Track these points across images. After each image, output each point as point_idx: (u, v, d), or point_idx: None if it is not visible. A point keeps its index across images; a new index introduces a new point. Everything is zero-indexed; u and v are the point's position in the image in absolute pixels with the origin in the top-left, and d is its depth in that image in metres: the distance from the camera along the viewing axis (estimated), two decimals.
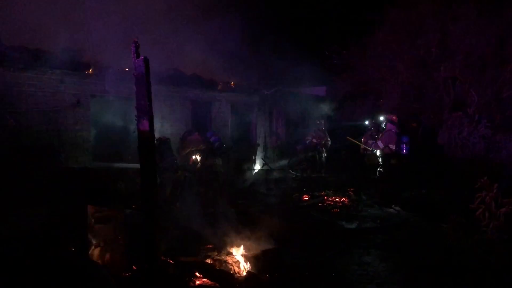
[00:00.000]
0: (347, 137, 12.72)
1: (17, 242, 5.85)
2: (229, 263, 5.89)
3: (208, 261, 5.93)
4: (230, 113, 14.08)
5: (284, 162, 15.59)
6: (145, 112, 5.20)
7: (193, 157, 9.84)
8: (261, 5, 14.97)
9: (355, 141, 12.36)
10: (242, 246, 6.27)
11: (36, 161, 7.23)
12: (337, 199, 10.79)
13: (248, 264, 5.85)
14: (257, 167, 14.90)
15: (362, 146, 12.08)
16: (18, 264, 5.05)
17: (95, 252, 5.86)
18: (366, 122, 13.10)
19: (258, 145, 15.59)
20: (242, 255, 6.01)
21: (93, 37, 9.06)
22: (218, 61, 12.88)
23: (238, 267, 5.85)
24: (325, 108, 17.43)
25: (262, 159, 15.22)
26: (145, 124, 5.20)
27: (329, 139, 14.75)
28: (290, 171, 14.63)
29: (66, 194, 5.81)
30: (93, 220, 5.96)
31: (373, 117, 13.01)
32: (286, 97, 16.89)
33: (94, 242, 6.02)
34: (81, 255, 5.35)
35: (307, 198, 10.98)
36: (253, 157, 15.02)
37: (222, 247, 6.45)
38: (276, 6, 17.51)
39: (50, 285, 3.66)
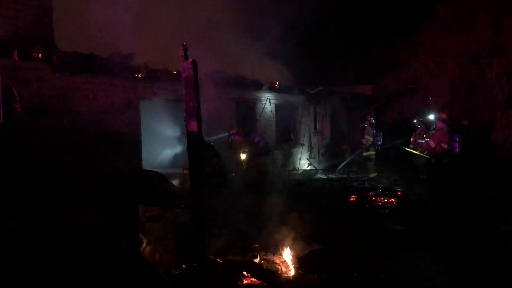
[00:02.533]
0: (401, 146, 12.39)
1: (72, 239, 6.11)
2: (276, 263, 5.90)
3: (256, 260, 5.96)
4: (274, 113, 14.09)
5: (329, 162, 15.44)
6: (194, 113, 5.30)
7: (241, 157, 9.94)
8: (304, 4, 14.87)
9: (407, 149, 12.03)
10: (289, 246, 6.26)
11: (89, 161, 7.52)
12: (385, 200, 10.57)
13: (296, 264, 5.84)
14: (302, 167, 14.83)
15: (411, 147, 11.74)
16: (73, 261, 5.27)
17: (146, 250, 6.03)
18: (414, 121, 12.76)
19: (303, 145, 15.51)
20: (289, 255, 6.00)
21: (142, 41, 9.31)
22: (262, 62, 12.93)
23: (286, 267, 5.85)
24: (372, 106, 17.10)
25: (307, 159, 15.14)
26: (193, 126, 5.29)
27: (380, 138, 14.47)
28: (337, 170, 14.47)
29: (118, 193, 6.00)
30: (144, 219, 6.14)
31: (421, 115, 12.65)
32: (331, 96, 16.70)
33: (145, 240, 6.20)
34: (133, 253, 5.51)
35: (354, 199, 10.82)
36: (298, 157, 14.96)
37: (269, 246, 6.47)
38: (320, 4, 17.36)
39: (106, 282, 3.79)
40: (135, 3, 9.51)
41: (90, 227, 5.98)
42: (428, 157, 10.85)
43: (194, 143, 5.30)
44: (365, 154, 14.15)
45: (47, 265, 4.49)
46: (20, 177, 6.55)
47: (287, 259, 5.94)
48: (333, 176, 14.08)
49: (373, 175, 13.78)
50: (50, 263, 4.45)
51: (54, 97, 7.29)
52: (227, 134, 10.74)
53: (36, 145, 6.90)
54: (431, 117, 11.49)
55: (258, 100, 13.35)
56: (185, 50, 5.29)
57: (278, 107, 14.28)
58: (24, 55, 6.80)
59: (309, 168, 14.72)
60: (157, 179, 6.28)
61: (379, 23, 19.11)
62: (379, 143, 14.42)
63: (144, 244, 6.01)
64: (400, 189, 11.56)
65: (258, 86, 13.16)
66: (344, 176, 13.92)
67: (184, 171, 9.10)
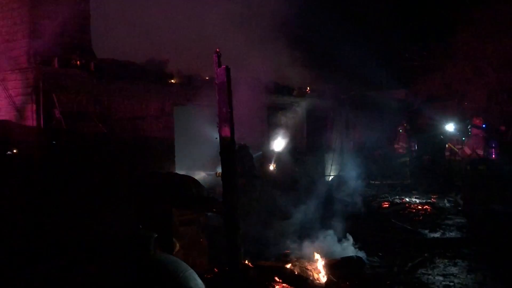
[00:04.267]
0: (448, 143, 12.09)
1: (110, 240, 6.27)
2: (308, 269, 5.88)
3: (288, 266, 5.96)
4: (305, 118, 14.04)
5: (362, 168, 15.25)
6: (227, 119, 5.37)
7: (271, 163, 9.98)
8: (337, 9, 14.83)
9: (454, 147, 11.77)
10: (321, 252, 6.23)
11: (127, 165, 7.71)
12: (419, 207, 10.37)
13: (328, 271, 5.80)
14: (334, 172, 14.71)
15: (448, 150, 11.46)
16: (109, 261, 5.41)
17: (179, 253, 6.12)
18: (452, 127, 12.48)
19: (334, 150, 15.39)
20: (321, 262, 5.97)
21: (176, 48, 9.47)
22: (294, 67, 12.92)
23: (318, 273, 5.82)
24: (405, 112, 16.84)
25: (339, 164, 15.00)
26: (226, 131, 5.37)
27: (414, 143, 14.23)
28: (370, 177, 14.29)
29: (153, 197, 6.12)
30: (177, 222, 6.24)
31: (459, 121, 12.37)
32: (363, 101, 16.52)
33: (178, 244, 6.30)
34: (168, 256, 5.59)
35: (387, 205, 10.67)
36: (330, 163, 14.85)
37: (300, 252, 6.46)
38: (353, 9, 17.24)
39: (142, 284, 3.88)
40: (170, 11, 9.70)
41: (126, 230, 6.11)
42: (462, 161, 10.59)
43: (227, 148, 5.37)
44: (399, 160, 13.94)
45: (87, 266, 4.62)
46: (59, 180, 6.78)
47: (319, 266, 5.91)
48: (366, 182, 13.90)
49: (407, 181, 13.55)
50: (89, 265, 4.58)
51: (91, 103, 7.50)
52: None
53: (74, 149, 7.11)
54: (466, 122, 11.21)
55: (290, 105, 13.34)
56: (219, 56, 5.38)
57: (309, 113, 14.21)
58: (63, 62, 7.03)
59: (341, 173, 14.58)
60: (190, 183, 6.39)
61: (413, 26, 18.83)
62: (413, 149, 14.18)
63: (178, 247, 6.10)
64: (435, 196, 11.31)
65: (289, 91, 13.15)
66: (377, 182, 13.73)
67: (217, 175, 9.18)
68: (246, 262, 5.85)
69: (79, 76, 7.28)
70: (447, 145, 11.75)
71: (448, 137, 12.28)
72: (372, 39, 18.34)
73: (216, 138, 5.57)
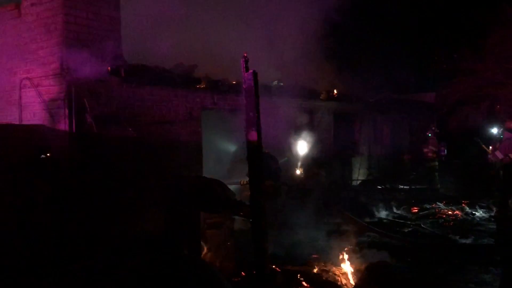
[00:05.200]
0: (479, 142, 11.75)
1: (140, 242, 6.37)
2: (336, 274, 5.84)
3: (315, 271, 5.94)
4: (332, 122, 13.94)
5: (390, 172, 15.03)
6: (254, 123, 5.39)
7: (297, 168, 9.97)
8: (364, 11, 14.70)
9: (484, 146, 11.46)
10: (349, 257, 6.17)
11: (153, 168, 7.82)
12: (450, 212, 10.16)
13: (356, 276, 5.74)
14: (362, 177, 14.54)
15: (490, 155, 11.13)
16: (140, 263, 5.50)
17: (207, 256, 6.18)
18: (495, 130, 12.15)
19: (362, 154, 15.23)
20: (349, 267, 5.92)
21: (204, 53, 9.57)
22: (320, 70, 12.87)
23: (346, 278, 5.78)
24: (435, 115, 16.53)
25: (367, 169, 14.83)
26: (253, 135, 5.38)
27: (444, 148, 13.95)
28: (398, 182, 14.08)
29: (181, 200, 6.19)
30: (205, 226, 6.30)
31: (491, 125, 12.06)
32: (391, 105, 16.30)
33: (205, 247, 6.36)
34: (196, 258, 5.65)
35: (416, 211, 10.49)
36: (357, 167, 14.70)
37: (328, 257, 6.42)
38: (381, 11, 17.05)
39: (172, 284, 3.93)
40: (198, 16, 9.82)
41: (156, 232, 6.22)
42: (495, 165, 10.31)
43: (254, 153, 5.38)
44: (428, 164, 13.68)
45: (119, 266, 4.70)
46: (90, 183, 6.94)
47: (347, 271, 5.87)
48: (394, 186, 13.70)
49: (437, 186, 13.28)
50: (122, 264, 4.67)
51: (121, 108, 7.64)
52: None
53: (104, 152, 7.27)
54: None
55: (316, 109, 13.27)
56: (246, 61, 5.41)
57: (336, 116, 14.11)
58: (94, 68, 7.18)
59: (368, 178, 14.42)
60: (218, 187, 6.43)
61: (442, 28, 18.50)
62: (442, 153, 13.89)
63: (205, 250, 6.17)
64: (466, 201, 11.05)
65: (316, 95, 13.09)
66: (406, 187, 13.51)
67: (242, 182, 9.22)
68: (273, 266, 5.85)
69: (110, 82, 7.43)
70: (489, 148, 11.40)
71: (481, 141, 11.97)
72: (401, 42, 18.11)
73: (243, 142, 5.60)
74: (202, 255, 6.00)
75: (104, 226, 6.92)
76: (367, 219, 9.76)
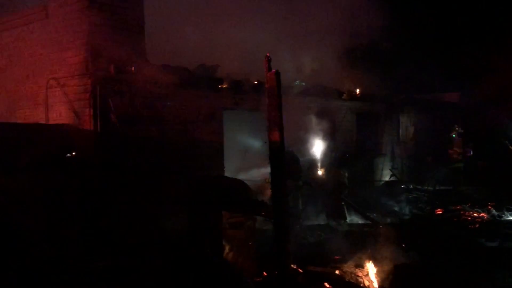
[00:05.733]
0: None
1: (162, 241, 6.44)
2: (358, 276, 5.79)
3: (337, 272, 5.89)
4: (355, 122, 13.82)
5: (413, 173, 14.82)
6: (276, 123, 5.38)
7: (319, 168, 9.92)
8: (387, 10, 14.50)
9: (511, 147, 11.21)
10: (372, 259, 6.10)
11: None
12: (475, 214, 9.95)
13: (380, 278, 5.68)
14: (385, 178, 14.37)
15: None
16: (164, 261, 5.55)
17: (228, 256, 6.18)
18: None
19: (385, 155, 15.05)
20: (372, 269, 5.85)
21: (226, 53, 9.60)
22: (343, 70, 12.77)
23: (369, 280, 5.71)
24: (459, 115, 16.22)
25: (390, 169, 14.65)
26: (275, 135, 5.37)
27: (469, 149, 13.68)
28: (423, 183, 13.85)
29: (204, 200, 6.22)
30: (227, 225, 6.31)
31: None
32: (415, 105, 16.07)
33: (227, 246, 6.36)
34: (218, 258, 5.68)
35: (440, 212, 10.31)
36: (380, 168, 14.53)
37: (351, 259, 6.36)
38: (401, 8, 16.80)
39: (196, 283, 3.96)
40: (220, 16, 9.86)
41: (179, 231, 6.26)
42: None
43: (277, 153, 5.37)
44: (453, 166, 13.43)
45: (143, 265, 4.76)
46: (114, 181, 7.04)
47: (370, 273, 5.80)
48: (418, 187, 13.49)
49: (462, 188, 13.02)
50: (145, 263, 4.73)
51: (145, 108, 7.73)
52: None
53: (128, 151, 7.36)
54: None
55: (339, 109, 13.18)
56: (269, 61, 5.40)
57: (359, 116, 13.99)
58: (119, 68, 7.29)
59: (391, 179, 14.24)
60: (239, 187, 6.44)
61: (468, 26, 18.14)
62: (468, 154, 13.62)
63: (227, 249, 6.17)
64: (492, 204, 10.80)
65: (339, 94, 13.00)
66: (430, 188, 13.29)
67: (267, 181, 9.22)
68: (295, 266, 5.82)
69: (134, 82, 7.52)
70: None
71: (508, 142, 11.69)
72: (425, 40, 17.84)
73: (265, 142, 5.59)
74: (224, 255, 6.01)
75: (127, 225, 7.01)
76: (390, 220, 9.63)
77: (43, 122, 7.69)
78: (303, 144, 10.55)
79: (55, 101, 7.62)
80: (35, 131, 6.80)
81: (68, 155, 6.75)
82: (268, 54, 5.32)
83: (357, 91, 13.61)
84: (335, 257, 6.66)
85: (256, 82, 9.85)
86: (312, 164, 10.68)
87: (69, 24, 7.37)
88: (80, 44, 7.21)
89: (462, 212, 10.11)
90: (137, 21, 7.68)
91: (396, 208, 10.86)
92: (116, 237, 6.75)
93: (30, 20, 8.17)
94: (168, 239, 6.48)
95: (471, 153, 13.94)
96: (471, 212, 10.08)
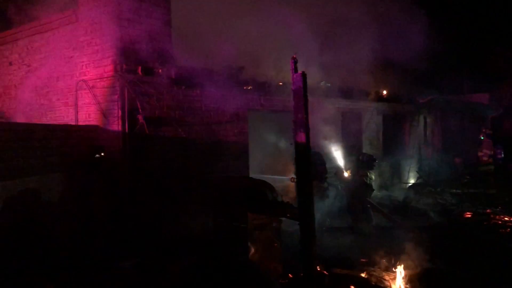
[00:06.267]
0: None
1: (188, 241, 6.49)
2: (385, 279, 5.71)
3: (363, 275, 5.83)
4: (381, 123, 13.67)
5: (441, 175, 14.52)
6: (302, 124, 5.36)
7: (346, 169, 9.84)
8: (414, 8, 14.25)
9: None
10: (399, 262, 6.01)
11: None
12: (506, 218, 9.68)
13: (407, 282, 5.59)
14: (411, 180, 14.15)
15: None
16: (190, 261, 5.60)
17: (254, 257, 6.19)
18: None
19: (412, 157, 14.82)
20: (400, 272, 5.76)
21: (251, 54, 9.61)
22: (369, 71, 12.64)
23: (395, 284, 5.63)
24: (489, 117, 15.83)
25: (416, 171, 14.41)
26: (301, 137, 5.36)
27: (500, 151, 13.33)
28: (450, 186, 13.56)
29: (229, 200, 6.25)
30: (252, 226, 6.31)
31: None
32: (443, 106, 15.77)
33: (252, 247, 6.37)
34: (244, 259, 5.69)
35: (469, 216, 10.08)
36: (407, 170, 14.31)
37: (378, 262, 6.29)
38: (429, 7, 16.49)
39: (222, 284, 3.98)
40: (245, 19, 9.88)
41: (204, 232, 6.30)
42: None
43: (303, 154, 5.35)
44: (482, 168, 13.10)
45: (169, 265, 4.82)
46: (141, 181, 7.14)
47: (397, 277, 5.71)
48: (446, 190, 13.22)
49: (492, 191, 12.68)
50: (171, 263, 4.78)
51: (171, 109, 7.82)
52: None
53: (155, 152, 7.46)
54: None
55: (365, 110, 13.06)
56: (295, 62, 5.40)
57: (385, 117, 13.83)
58: (147, 70, 7.40)
59: (418, 181, 14.00)
60: (265, 188, 6.44)
61: (497, 26, 17.71)
62: (499, 156, 13.27)
63: (252, 251, 6.18)
64: None
65: (365, 95, 12.88)
66: (458, 190, 13.00)
67: (291, 180, 9.20)
68: (321, 269, 5.78)
69: (161, 83, 7.63)
70: None
71: None
72: (453, 40, 17.47)
73: (291, 143, 5.58)
74: (249, 256, 6.02)
75: (154, 224, 7.10)
76: (417, 223, 9.47)
77: (72, 123, 7.87)
78: (329, 145, 10.48)
79: (84, 102, 7.79)
80: (65, 132, 6.95)
81: (97, 155, 6.88)
82: (294, 56, 5.31)
83: (384, 92, 13.45)
84: (362, 260, 6.59)
85: (281, 84, 9.84)
86: (338, 165, 10.61)
87: (98, 27, 7.52)
88: (109, 47, 7.34)
89: (492, 216, 9.86)
90: (164, 23, 7.79)
91: (423, 211, 10.66)
92: (143, 237, 6.84)
93: (61, 23, 8.37)
94: (194, 240, 6.54)
95: (502, 155, 13.58)
96: (502, 216, 9.82)
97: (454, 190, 13.07)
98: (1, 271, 4.98)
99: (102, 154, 6.91)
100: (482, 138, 13.57)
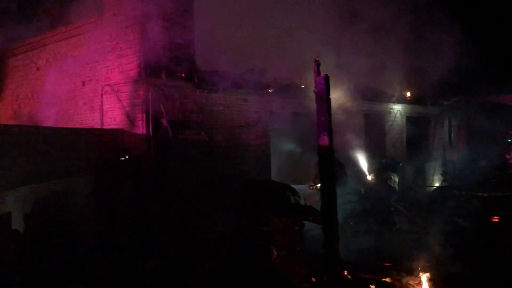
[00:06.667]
0: None
1: (210, 244, 6.53)
2: (410, 284, 5.64)
3: (388, 280, 5.77)
4: (405, 125, 13.51)
5: (466, 178, 14.24)
6: (325, 127, 5.34)
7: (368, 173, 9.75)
8: (441, 6, 14.02)
9: None
10: (425, 267, 5.93)
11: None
12: None
13: (433, 287, 5.50)
14: (436, 183, 13.93)
15: None
16: (213, 264, 5.64)
17: (276, 261, 6.18)
18: None
19: (436, 159, 14.59)
20: (425, 277, 5.68)
21: (272, 57, 9.63)
22: (392, 72, 12.51)
23: None
24: None
25: (441, 174, 14.18)
26: (325, 140, 5.34)
27: None
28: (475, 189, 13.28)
29: (251, 203, 6.27)
30: (274, 230, 6.31)
31: None
32: (469, 108, 15.47)
33: (275, 251, 6.36)
34: (266, 262, 5.69)
35: (496, 220, 9.84)
36: (431, 173, 14.10)
37: (402, 266, 6.21)
38: (455, 8, 16.20)
39: (243, 286, 3.99)
40: (266, 22, 9.90)
41: (227, 234, 6.33)
42: None
43: (326, 158, 5.33)
44: (510, 171, 12.81)
45: (191, 268, 4.85)
46: (165, 184, 7.22)
47: (423, 281, 5.63)
48: (471, 193, 12.94)
49: None
50: (194, 266, 4.81)
51: (194, 113, 7.89)
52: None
53: (178, 156, 7.54)
54: None
55: (387, 112, 12.93)
56: (318, 65, 5.38)
57: (408, 119, 13.67)
58: (170, 74, 7.50)
59: (443, 184, 13.77)
60: (287, 191, 6.44)
61: None
62: None
63: (275, 254, 6.16)
64: None
65: (388, 97, 12.76)
66: (485, 194, 12.72)
67: (310, 188, 9.18)
68: (344, 273, 5.75)
69: (184, 87, 7.71)
70: None
71: None
72: (479, 39, 17.13)
73: (314, 146, 5.56)
74: (271, 259, 6.01)
75: (177, 227, 7.16)
76: (442, 227, 9.30)
77: (98, 126, 8.02)
78: (352, 148, 10.41)
79: (109, 106, 7.93)
80: (91, 136, 7.09)
81: (122, 158, 6.99)
82: (317, 58, 5.30)
83: (407, 93, 13.30)
84: (386, 264, 6.52)
85: (303, 86, 9.82)
86: (360, 168, 10.53)
87: (123, 33, 7.65)
88: (133, 52, 7.47)
89: None
90: (187, 28, 7.88)
91: (448, 215, 10.47)
92: (166, 239, 6.91)
93: (86, 29, 8.55)
94: (216, 243, 6.57)
95: None
96: None
97: (481, 194, 12.78)
98: (31, 272, 5.10)
99: (127, 157, 7.02)
100: (510, 140, 13.28)
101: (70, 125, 8.77)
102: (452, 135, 15.42)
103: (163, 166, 7.29)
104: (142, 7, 7.32)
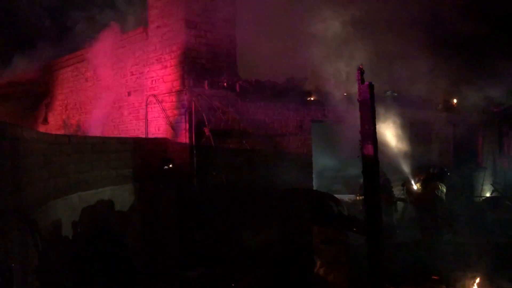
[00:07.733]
0: None
1: (255, 254, 6.51)
2: None
3: None
4: (452, 133, 13.07)
5: None
6: (369, 136, 5.24)
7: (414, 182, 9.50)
8: (486, 10, 13.53)
9: None
10: (474, 281, 5.67)
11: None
12: None
13: None
14: (486, 193, 13.36)
15: None
16: (255, 273, 5.62)
17: (319, 271, 6.10)
18: None
19: (486, 168, 14.00)
20: None
21: (314, 66, 9.57)
22: (438, 79, 12.17)
23: None
24: None
25: (491, 184, 13.59)
26: (369, 149, 5.24)
27: None
28: None
29: (293, 213, 6.22)
30: (317, 240, 6.23)
31: None
32: None
33: (318, 262, 6.27)
34: (309, 273, 5.62)
35: None
36: (480, 182, 13.54)
37: (449, 280, 5.97)
38: (500, 11, 15.56)
39: None
40: (307, 29, 9.87)
41: (269, 244, 6.30)
42: None
43: (370, 167, 5.22)
44: None
45: (236, 278, 4.85)
46: (208, 193, 7.28)
47: None
48: None
49: None
50: (238, 276, 4.81)
51: (236, 121, 7.94)
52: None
53: (221, 164, 7.59)
54: None
55: (434, 120, 12.56)
56: (362, 73, 5.30)
57: (456, 127, 13.21)
58: (213, 84, 7.60)
59: (493, 194, 13.19)
60: (330, 201, 6.35)
61: None
62: None
63: (317, 265, 6.09)
64: None
65: (433, 105, 12.41)
66: None
67: (357, 197, 9.02)
68: (390, 285, 5.59)
69: (226, 97, 7.78)
70: None
71: None
72: None
73: (358, 156, 5.46)
74: (314, 270, 5.93)
75: (219, 235, 7.20)
76: (493, 240, 8.90)
77: (143, 135, 8.21)
78: (397, 157, 10.17)
79: (154, 116, 8.10)
80: (136, 145, 7.25)
81: (166, 167, 7.10)
82: (361, 66, 5.22)
83: (454, 101, 12.88)
84: (433, 277, 6.29)
85: (345, 94, 9.70)
86: (406, 178, 10.26)
87: (167, 44, 7.82)
88: (177, 62, 7.62)
89: None
90: (229, 37, 7.96)
91: (499, 226, 10.00)
92: (209, 247, 6.95)
93: (132, 41, 8.81)
94: (259, 251, 6.55)
95: None
96: None
97: None
98: (79, 279, 5.25)
99: (171, 165, 7.13)
100: None
101: (116, 134, 9.03)
102: (503, 143, 14.77)
103: (206, 174, 7.36)
104: (185, 20, 7.47)
